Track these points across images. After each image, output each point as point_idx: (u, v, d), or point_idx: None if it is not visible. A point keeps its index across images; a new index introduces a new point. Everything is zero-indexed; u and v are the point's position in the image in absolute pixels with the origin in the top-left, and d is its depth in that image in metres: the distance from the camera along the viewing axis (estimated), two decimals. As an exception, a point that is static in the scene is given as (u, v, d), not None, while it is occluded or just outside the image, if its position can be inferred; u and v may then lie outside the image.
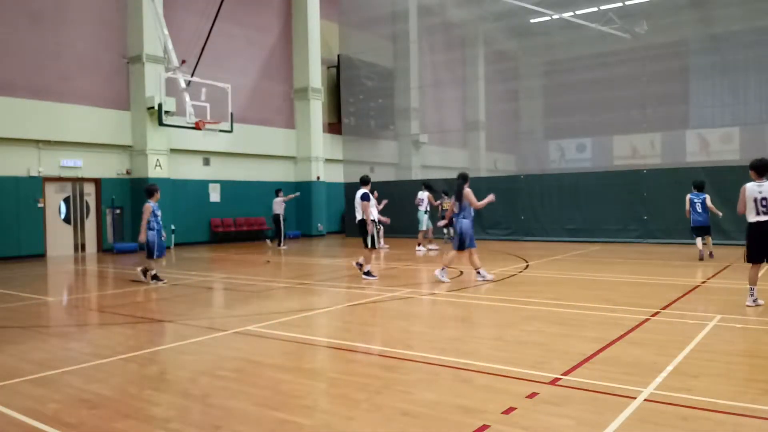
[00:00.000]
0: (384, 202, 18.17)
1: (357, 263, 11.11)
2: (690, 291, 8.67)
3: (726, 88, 23.91)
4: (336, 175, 24.98)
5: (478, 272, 10.22)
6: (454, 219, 10.36)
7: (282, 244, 18.79)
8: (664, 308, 7.34)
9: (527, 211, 19.02)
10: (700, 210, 13.09)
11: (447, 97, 29.71)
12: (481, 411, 3.90)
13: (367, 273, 10.73)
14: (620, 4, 24.92)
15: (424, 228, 16.78)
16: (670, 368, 4.74)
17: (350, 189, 24.01)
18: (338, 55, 25.91)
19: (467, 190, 10.11)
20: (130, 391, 4.55)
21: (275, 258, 15.57)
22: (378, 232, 17.49)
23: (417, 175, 25.80)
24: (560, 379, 4.56)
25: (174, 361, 5.52)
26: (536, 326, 6.56)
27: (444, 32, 28.54)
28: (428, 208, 16.84)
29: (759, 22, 22.61)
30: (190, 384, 4.70)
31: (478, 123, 29.95)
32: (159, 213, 10.65)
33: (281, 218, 18.68)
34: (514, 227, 19.48)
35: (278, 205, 18.64)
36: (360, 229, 10.88)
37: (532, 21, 27.55)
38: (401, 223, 21.51)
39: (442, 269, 10.20)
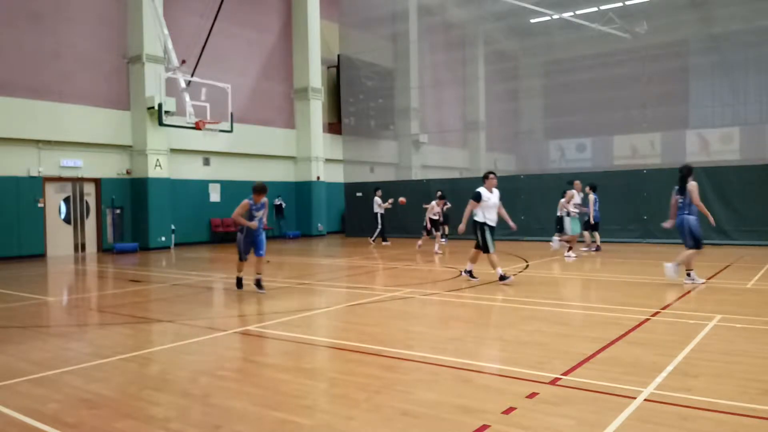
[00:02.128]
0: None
1: (466, 271, 10.26)
2: (690, 291, 8.67)
3: (726, 88, 23.93)
4: (336, 175, 25.00)
5: (688, 274, 9.28)
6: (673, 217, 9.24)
7: (384, 241, 19.27)
8: (663, 308, 7.34)
9: (527, 211, 19.00)
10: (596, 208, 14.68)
11: (447, 97, 29.74)
12: (481, 411, 3.90)
13: (470, 272, 10.12)
14: (620, 4, 24.93)
15: (571, 233, 13.95)
16: (670, 368, 4.74)
17: (350, 189, 24.04)
18: (338, 55, 25.92)
19: (693, 184, 9.04)
20: (130, 391, 4.55)
21: (279, 258, 15.58)
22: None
23: (417, 175, 25.81)
24: (560, 379, 4.56)
25: (174, 361, 5.52)
26: (536, 326, 6.56)
27: (444, 32, 28.57)
28: (578, 211, 14.06)
29: (759, 22, 22.63)
30: (190, 384, 4.70)
31: (478, 123, 29.97)
32: (258, 213, 9.07)
33: (379, 216, 19.12)
34: (517, 227, 19.47)
35: (376, 205, 19.15)
36: (474, 231, 9.83)
37: (532, 21, 27.56)
38: (402, 224, 21.54)
39: (677, 264, 9.12)
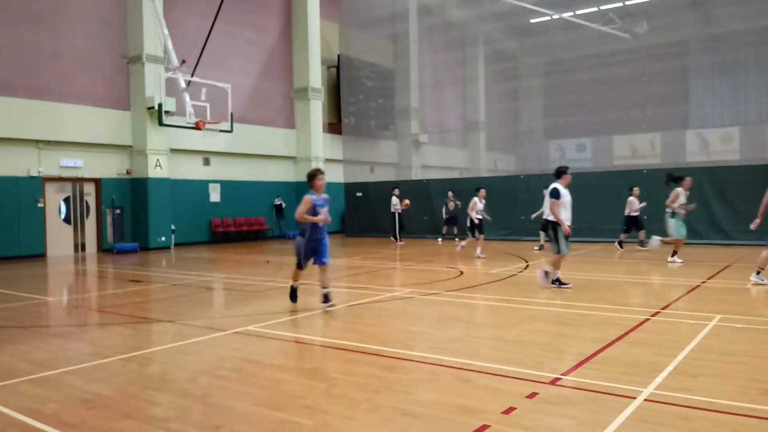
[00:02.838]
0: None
1: (552, 280, 9.22)
2: (690, 291, 8.67)
3: (726, 88, 23.93)
4: (336, 175, 24.98)
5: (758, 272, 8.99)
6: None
7: (398, 240, 19.62)
8: (664, 308, 7.34)
9: (527, 211, 19.00)
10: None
11: (447, 97, 29.74)
12: (481, 411, 3.90)
13: (557, 281, 9.18)
14: (620, 4, 24.95)
15: (677, 236, 12.13)
16: (670, 368, 4.74)
17: (351, 189, 24.05)
18: (338, 55, 25.92)
19: None
20: (130, 391, 4.55)
21: (279, 258, 15.58)
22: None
23: (417, 175, 25.81)
24: (560, 379, 4.56)
25: (174, 361, 5.52)
26: (536, 326, 6.56)
27: (444, 32, 28.58)
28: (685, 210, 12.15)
29: (759, 22, 22.64)
30: (190, 384, 4.70)
31: (478, 123, 29.96)
32: (322, 211, 7.64)
33: (396, 215, 19.44)
34: (514, 227, 19.49)
35: (393, 204, 19.43)
36: (548, 231, 9.25)
37: (532, 21, 27.57)
38: (402, 223, 21.54)
39: (757, 273, 8.98)
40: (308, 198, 7.54)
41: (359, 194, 23.48)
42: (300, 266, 7.86)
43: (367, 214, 23.12)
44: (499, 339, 6.08)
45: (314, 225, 7.59)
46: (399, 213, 19.36)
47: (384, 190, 22.00)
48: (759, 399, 4.02)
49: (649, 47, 24.97)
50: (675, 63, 25.24)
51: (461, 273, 11.34)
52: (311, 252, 7.72)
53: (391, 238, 19.87)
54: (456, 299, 8.57)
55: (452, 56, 29.57)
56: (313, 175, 7.75)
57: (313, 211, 7.54)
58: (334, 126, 25.99)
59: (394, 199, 19.36)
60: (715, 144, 24.48)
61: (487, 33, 29.85)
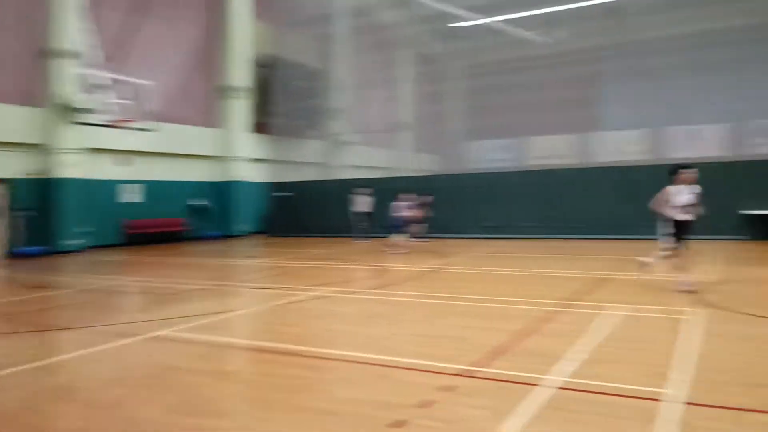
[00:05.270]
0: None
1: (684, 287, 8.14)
2: (600, 282, 9.11)
3: (636, 92, 25.34)
4: (262, 175, 24.52)
5: None
6: None
7: (360, 240, 18.95)
8: (576, 300, 7.67)
9: (447, 209, 19.37)
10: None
11: (374, 97, 29.88)
12: (400, 405, 3.94)
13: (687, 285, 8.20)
14: (540, 11, 25.96)
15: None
16: (577, 356, 4.96)
17: (276, 189, 23.69)
18: (266, 55, 25.46)
19: None
20: (32, 404, 4.27)
21: (199, 260, 15.11)
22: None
23: (344, 174, 25.74)
24: (477, 371, 4.67)
25: (80, 370, 5.22)
26: (456, 321, 6.70)
27: (373, 34, 28.66)
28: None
29: (668, 31, 24.19)
30: (98, 394, 4.46)
31: (404, 123, 30.30)
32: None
33: (361, 215, 18.99)
34: (435, 225, 19.80)
35: (362, 204, 18.97)
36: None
37: (456, 25, 28.26)
38: (328, 223, 21.44)
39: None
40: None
41: (286, 194, 23.21)
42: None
43: (293, 214, 22.86)
44: (420, 334, 6.16)
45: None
46: (364, 212, 19.07)
47: (311, 190, 21.87)
48: (655, 382, 4.28)
49: (565, 53, 26.19)
50: (589, 68, 26.59)
51: (386, 270, 11.41)
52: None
53: (353, 238, 19.52)
54: (379, 297, 8.61)
55: (380, 58, 29.72)
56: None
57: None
58: (262, 125, 25.49)
59: (363, 199, 19.01)
60: (626, 145, 25.95)
61: (414, 35, 30.27)
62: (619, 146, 26.00)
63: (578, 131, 27.59)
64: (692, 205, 8.11)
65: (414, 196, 14.79)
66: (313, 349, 5.64)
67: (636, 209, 16.95)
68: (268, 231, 23.76)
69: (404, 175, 25.41)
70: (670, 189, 8.23)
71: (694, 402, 3.88)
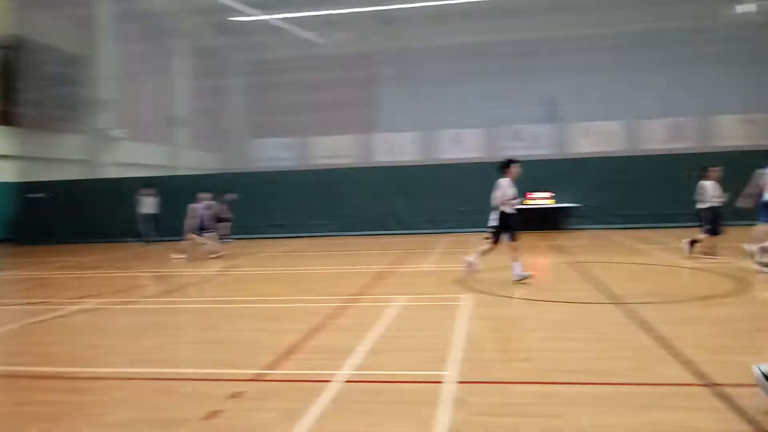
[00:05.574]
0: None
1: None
2: (382, 276, 9.62)
3: (408, 97, 27.30)
4: (8, 173, 21.11)
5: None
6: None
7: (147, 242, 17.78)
8: (362, 294, 7.97)
9: (235, 209, 18.85)
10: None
11: (146, 90, 27.65)
12: (183, 420, 3.67)
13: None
14: (320, 13, 26.57)
15: None
16: (364, 348, 5.14)
17: (27, 189, 20.64)
18: (9, 35, 21.88)
19: None
20: None
21: None
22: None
23: (111, 173, 23.40)
24: (266, 374, 4.56)
25: None
26: (243, 324, 6.50)
27: (142, 21, 26.45)
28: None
29: (438, 42, 26.48)
30: None
31: (179, 119, 28.59)
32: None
33: (149, 216, 17.89)
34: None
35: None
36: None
37: (235, 19, 27.57)
38: (100, 227, 19.32)
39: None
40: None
41: (40, 195, 20.32)
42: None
43: (55, 218, 20.10)
44: (203, 341, 5.84)
45: None
46: (150, 214, 17.82)
47: (75, 191, 19.50)
48: (434, 366, 4.62)
49: (346, 56, 27.23)
50: (367, 71, 28.02)
51: (167, 276, 10.65)
52: None
53: (142, 242, 18.00)
54: (158, 305, 7.99)
55: (152, 47, 27.53)
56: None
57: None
58: (9, 116, 21.87)
59: (147, 199, 17.79)
60: (399, 146, 27.91)
61: (190, 27, 28.71)
62: (395, 147, 27.85)
63: (359, 132, 28.89)
64: (516, 198, 8.50)
65: (210, 195, 14.01)
66: (80, 370, 4.99)
67: (412, 205, 18.45)
68: (20, 238, 20.50)
69: (184, 173, 24.08)
70: (503, 182, 8.40)
71: (467, 380, 4.26)
